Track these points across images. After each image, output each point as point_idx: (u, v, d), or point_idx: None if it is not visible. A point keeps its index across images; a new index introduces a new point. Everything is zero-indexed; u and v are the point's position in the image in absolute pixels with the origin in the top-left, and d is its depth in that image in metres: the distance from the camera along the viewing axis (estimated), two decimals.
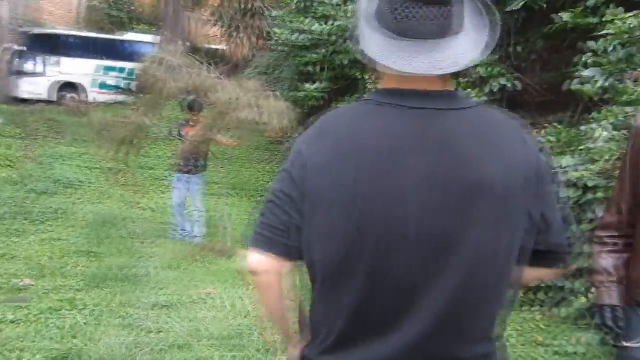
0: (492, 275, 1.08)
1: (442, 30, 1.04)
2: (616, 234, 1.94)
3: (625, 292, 1.90)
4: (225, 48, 14.35)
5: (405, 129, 1.05)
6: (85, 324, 3.93)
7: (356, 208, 1.03)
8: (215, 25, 14.64)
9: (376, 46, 1.05)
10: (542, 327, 4.00)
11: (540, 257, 1.16)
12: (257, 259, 1.14)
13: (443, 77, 1.07)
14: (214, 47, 15.83)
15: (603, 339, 3.61)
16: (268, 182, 9.73)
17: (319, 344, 1.16)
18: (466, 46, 1.06)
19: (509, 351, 3.65)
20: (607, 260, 1.93)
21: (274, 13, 9.70)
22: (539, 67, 7.20)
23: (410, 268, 1.04)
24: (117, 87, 16.59)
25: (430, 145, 1.04)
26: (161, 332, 3.89)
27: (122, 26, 20.36)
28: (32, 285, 4.69)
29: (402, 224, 1.03)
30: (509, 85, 6.52)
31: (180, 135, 6.52)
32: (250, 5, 13.37)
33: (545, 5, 6.06)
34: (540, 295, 4.38)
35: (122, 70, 16.85)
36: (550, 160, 1.35)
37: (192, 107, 6.59)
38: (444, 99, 1.08)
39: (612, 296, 1.90)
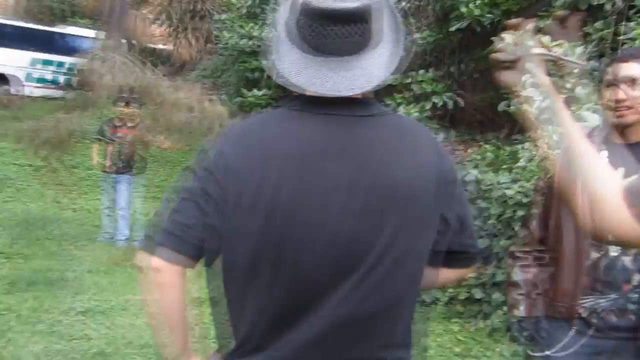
0: (404, 279, 1.10)
1: (358, 47, 1.05)
2: (529, 249, 2.01)
3: (547, 304, 1.97)
4: (170, 48, 14.07)
5: (324, 135, 1.07)
6: None
7: (277, 211, 1.04)
8: (160, 24, 14.32)
9: (289, 63, 1.06)
10: (460, 338, 4.10)
11: (455, 257, 1.21)
12: (163, 257, 1.10)
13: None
14: (159, 47, 15.49)
15: (516, 351, 3.74)
16: None
17: (235, 349, 1.14)
18: (382, 61, 1.08)
19: None
20: (519, 275, 1.99)
21: (221, 16, 9.57)
22: (479, 85, 7.44)
23: (324, 270, 1.05)
24: (55, 82, 15.91)
25: (348, 151, 1.06)
26: (75, 339, 3.72)
27: (63, 19, 19.58)
28: None
29: (320, 227, 1.04)
30: (451, 102, 6.70)
31: (103, 134, 6.26)
32: (197, 7, 13.16)
33: (482, 28, 6.27)
34: (459, 308, 4.50)
35: (60, 64, 16.15)
36: (456, 165, 1.45)
37: (128, 102, 6.38)
38: (362, 106, 1.09)
39: (522, 309, 1.97)
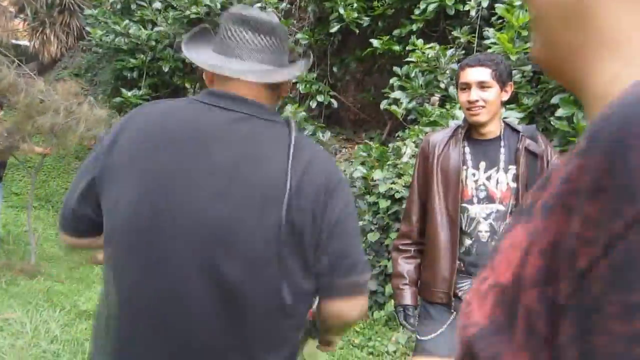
0: (261, 277, 1.06)
1: (261, 57, 1.18)
2: (410, 242, 2.17)
3: (417, 293, 2.17)
4: (35, 45, 12.98)
5: (207, 124, 1.10)
6: None
7: (144, 185, 1.06)
8: (24, 19, 13.17)
9: (201, 54, 1.21)
10: (358, 329, 4.25)
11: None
12: (65, 236, 1.25)
13: (257, 90, 1.17)
14: (23, 43, 14.26)
15: (410, 338, 3.95)
16: None
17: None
18: (277, 69, 1.20)
19: (329, 354, 3.82)
20: (402, 266, 2.16)
21: (87, 11, 9.00)
22: (353, 86, 7.73)
23: (184, 252, 1.04)
24: None
25: (226, 142, 1.09)
26: None
27: None
28: None
29: (185, 206, 1.05)
30: (326, 102, 6.90)
31: None
32: (63, 1, 12.27)
33: (360, 30, 6.54)
34: None
35: None
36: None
37: None
38: (251, 106, 1.14)
39: (405, 297, 2.14)
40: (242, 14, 1.17)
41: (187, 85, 7.84)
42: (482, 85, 1.98)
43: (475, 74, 1.99)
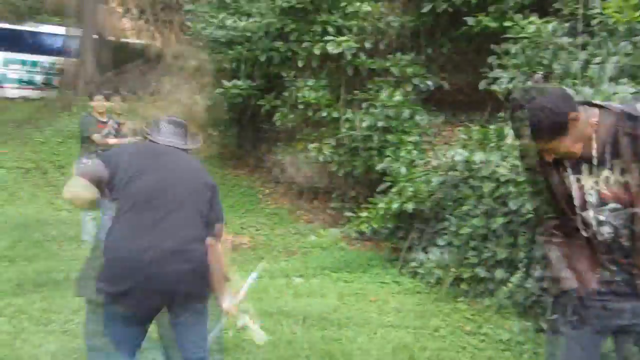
0: (190, 209, 2.49)
1: (178, 138, 2.73)
2: (559, 227, 2.11)
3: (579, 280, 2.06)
4: (142, 42, 13.83)
5: (164, 152, 2.64)
6: (3, 332, 3.69)
7: (133, 175, 2.44)
8: (131, 18, 14.06)
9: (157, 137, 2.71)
10: (468, 316, 4.23)
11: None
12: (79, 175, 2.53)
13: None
14: (131, 41, 15.23)
15: (525, 327, 3.88)
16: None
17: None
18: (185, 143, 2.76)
19: (438, 342, 3.86)
20: (565, 250, 2.09)
21: (187, 7, 9.42)
22: (449, 67, 7.56)
23: (159, 200, 2.44)
24: (32, 82, 15.48)
25: (170, 158, 2.62)
26: None
27: (31, 17, 19.01)
28: None
29: (154, 183, 2.46)
30: (422, 85, 6.81)
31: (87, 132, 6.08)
32: None
33: (453, 9, 6.37)
34: (464, 286, 4.63)
35: (35, 63, 15.73)
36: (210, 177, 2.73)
37: (107, 95, 6.37)
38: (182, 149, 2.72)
39: (572, 282, 2.04)
40: (169, 119, 2.76)
41: (284, 74, 8.01)
42: (553, 150, 1.96)
43: (542, 145, 1.97)
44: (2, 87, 15.34)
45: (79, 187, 2.36)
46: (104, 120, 6.24)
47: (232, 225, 7.59)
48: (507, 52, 5.40)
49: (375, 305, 4.60)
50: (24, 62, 15.77)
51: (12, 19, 18.59)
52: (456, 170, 5.23)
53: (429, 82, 6.89)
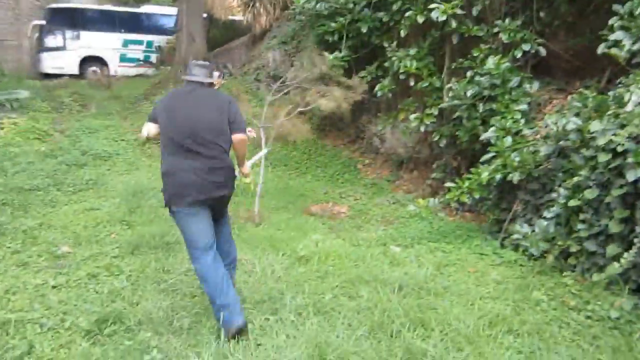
0: (216, 127, 3.53)
1: (202, 75, 3.69)
2: None
3: None
4: (243, 19, 14.23)
5: (190, 90, 3.64)
6: (122, 288, 4.05)
7: (172, 115, 3.52)
8: None
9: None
10: (574, 291, 4.00)
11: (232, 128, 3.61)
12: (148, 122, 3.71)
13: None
14: (237, 18, 15.75)
15: (637, 304, 3.61)
16: (291, 152, 9.70)
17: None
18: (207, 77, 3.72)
19: (540, 316, 3.70)
20: None
21: None
22: (564, 31, 7.02)
23: (192, 130, 3.48)
24: (147, 60, 16.67)
25: (196, 95, 3.60)
26: (196, 296, 4.00)
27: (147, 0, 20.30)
28: (70, 253, 4.82)
29: (185, 119, 3.49)
30: (533, 51, 6.40)
31: None
32: None
33: None
34: (571, 260, 4.38)
35: (150, 43, 16.92)
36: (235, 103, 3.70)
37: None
38: (205, 85, 3.69)
39: None
40: (197, 62, 3.76)
41: (385, 43, 7.91)
42: None
43: None
44: (122, 66, 16.61)
45: (146, 127, 3.69)
46: None
47: (332, 195, 7.72)
48: (631, 14, 4.93)
49: (473, 276, 4.49)
50: (140, 42, 16.93)
51: (131, 1, 19.94)
52: (567, 139, 4.91)
53: (541, 48, 6.45)
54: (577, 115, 4.93)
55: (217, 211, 3.70)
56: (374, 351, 3.15)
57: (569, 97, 5.85)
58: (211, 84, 3.71)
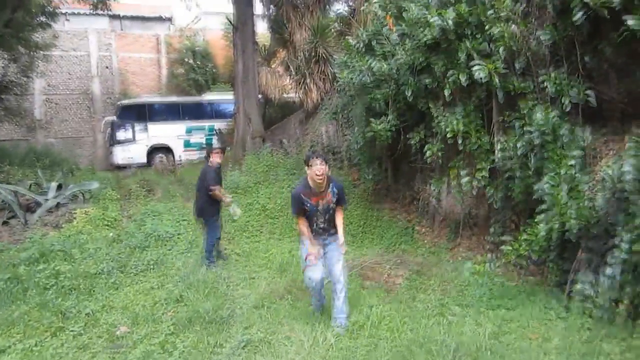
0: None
1: None
2: None
3: None
4: (295, 96, 14.85)
5: None
6: None
7: None
8: (289, 75, 15.22)
9: None
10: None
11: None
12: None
13: None
14: (290, 96, 16.47)
15: None
16: (347, 225, 9.70)
17: None
18: None
19: None
20: None
21: (342, 57, 9.98)
22: (614, 76, 6.82)
23: None
24: (200, 145, 17.57)
25: None
26: None
27: (200, 88, 21.66)
28: (129, 332, 4.94)
29: None
30: (582, 100, 6.22)
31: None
32: (318, 52, 13.80)
33: (610, 13, 5.79)
34: None
35: (211, 129, 17.93)
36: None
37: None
38: None
39: None
40: None
41: (431, 106, 7.97)
42: None
43: None
44: (186, 151, 17.55)
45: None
46: None
47: (388, 265, 7.54)
48: None
49: (535, 342, 4.20)
50: (203, 129, 17.91)
51: (193, 92, 21.29)
52: (624, 186, 4.67)
53: (589, 94, 6.25)
54: (635, 157, 4.72)
55: None
56: None
57: (627, 144, 5.60)
58: None
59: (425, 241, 8.47)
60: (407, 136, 8.45)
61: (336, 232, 4.98)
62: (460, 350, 3.91)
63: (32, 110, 20.51)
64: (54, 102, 21.31)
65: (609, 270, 4.43)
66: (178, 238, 8.68)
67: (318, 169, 4.71)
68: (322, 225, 4.94)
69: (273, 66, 16.69)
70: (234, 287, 6.20)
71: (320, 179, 4.76)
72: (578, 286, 4.75)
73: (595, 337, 4.15)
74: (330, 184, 4.92)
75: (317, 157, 4.79)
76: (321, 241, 4.94)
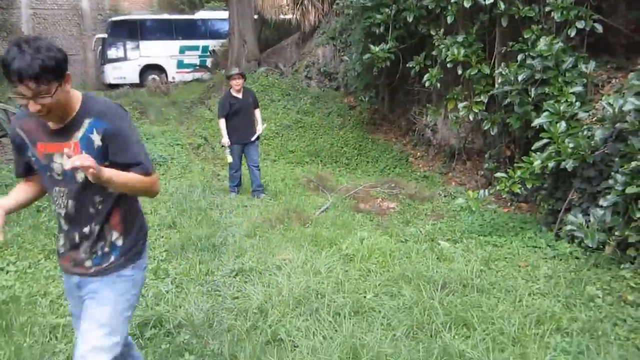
0: None
1: None
2: None
3: None
4: (292, 17, 14.31)
5: None
6: (167, 292, 4.12)
7: None
8: None
9: None
10: (633, 285, 3.73)
11: None
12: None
13: None
14: (287, 17, 15.89)
15: None
16: (342, 148, 9.67)
17: None
18: None
19: (593, 313, 3.45)
20: None
21: None
22: (623, 5, 6.54)
23: None
24: (193, 65, 17.13)
25: None
26: (236, 298, 4.02)
27: (194, 5, 20.85)
28: None
29: None
30: (588, 28, 5.98)
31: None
32: None
33: None
34: (630, 251, 4.07)
35: (205, 48, 17.40)
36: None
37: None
38: None
39: None
40: None
41: (432, 32, 7.68)
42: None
43: None
44: (180, 72, 17.14)
45: None
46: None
47: (382, 189, 7.59)
48: None
49: (524, 271, 4.27)
50: (196, 48, 17.40)
51: (186, 9, 20.50)
52: (625, 121, 4.57)
53: (597, 24, 6.01)
54: (637, 94, 4.59)
55: None
56: (410, 352, 3.04)
57: (630, 75, 5.46)
58: None
59: (420, 167, 8.46)
60: (407, 64, 8.20)
61: None
62: (449, 283, 3.97)
63: (20, 26, 19.81)
64: (41, 17, 20.53)
65: (599, 212, 4.43)
66: (172, 162, 8.61)
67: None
68: None
69: None
70: (227, 215, 6.21)
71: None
72: (567, 227, 4.76)
73: (584, 265, 4.24)
74: None
75: None
76: None
